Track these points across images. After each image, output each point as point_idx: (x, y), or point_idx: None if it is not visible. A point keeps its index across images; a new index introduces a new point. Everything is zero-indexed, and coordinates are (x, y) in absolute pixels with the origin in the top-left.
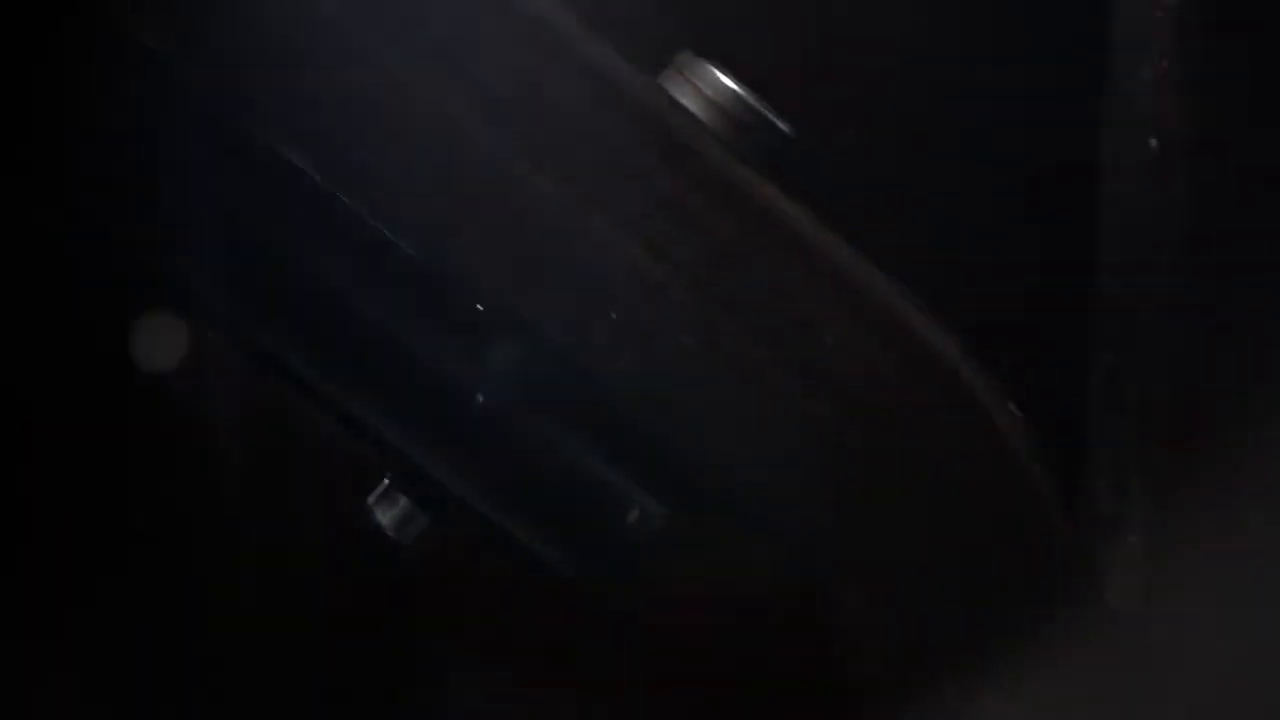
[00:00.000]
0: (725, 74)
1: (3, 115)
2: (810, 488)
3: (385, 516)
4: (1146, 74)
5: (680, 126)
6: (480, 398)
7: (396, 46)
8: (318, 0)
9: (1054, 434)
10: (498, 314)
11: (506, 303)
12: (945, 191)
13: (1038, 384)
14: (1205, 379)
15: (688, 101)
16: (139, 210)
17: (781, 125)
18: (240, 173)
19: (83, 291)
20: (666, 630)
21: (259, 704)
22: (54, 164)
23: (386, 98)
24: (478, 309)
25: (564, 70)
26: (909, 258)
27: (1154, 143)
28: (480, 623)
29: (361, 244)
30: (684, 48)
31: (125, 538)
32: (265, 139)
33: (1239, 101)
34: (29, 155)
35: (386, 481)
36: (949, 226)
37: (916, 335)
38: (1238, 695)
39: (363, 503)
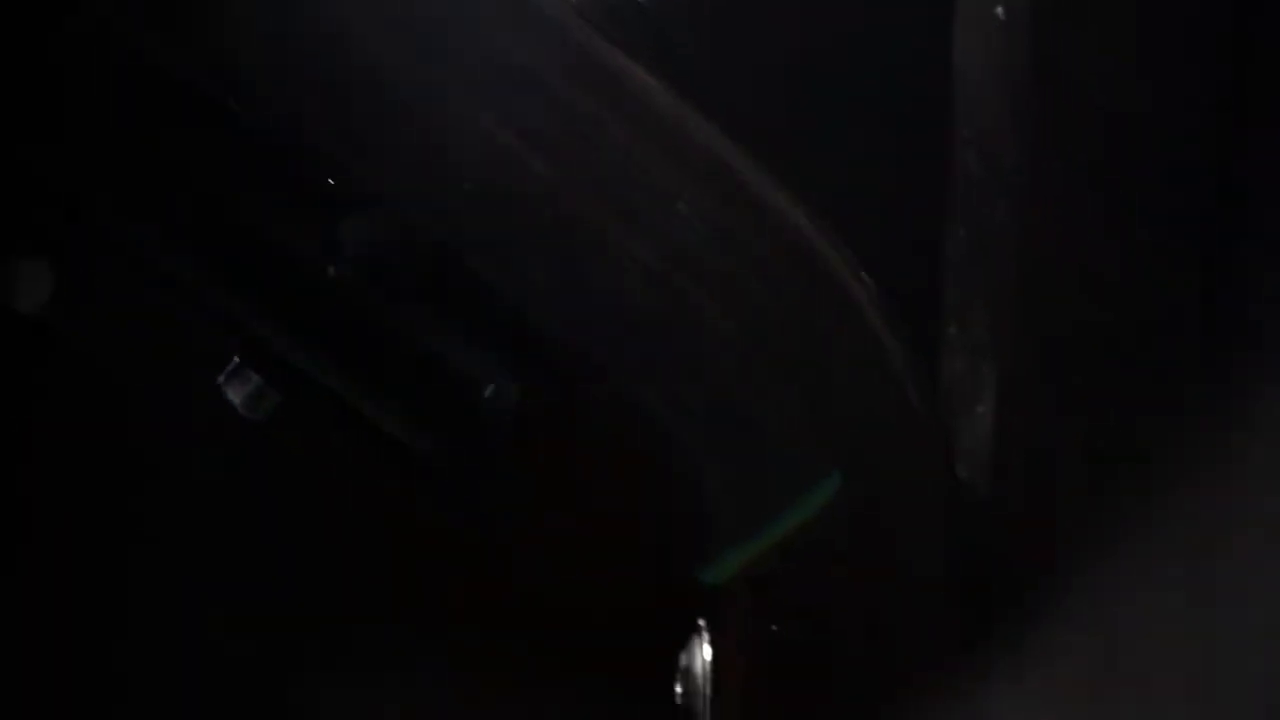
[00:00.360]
0: None
1: None
2: (666, 358)
3: (236, 394)
4: None
5: None
6: (332, 271)
7: None
8: None
9: (909, 307)
10: (349, 188)
11: (358, 177)
12: (800, 60)
13: (893, 256)
14: (1055, 250)
15: None
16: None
17: None
18: (87, 52)
19: None
20: (522, 505)
21: (107, 581)
22: None
23: None
24: (329, 184)
25: None
26: (764, 129)
27: (1000, 11)
28: (334, 499)
29: (210, 120)
30: None
31: None
32: (108, 14)
33: None
34: None
35: (237, 359)
36: (803, 98)
37: (771, 206)
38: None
39: (214, 381)
